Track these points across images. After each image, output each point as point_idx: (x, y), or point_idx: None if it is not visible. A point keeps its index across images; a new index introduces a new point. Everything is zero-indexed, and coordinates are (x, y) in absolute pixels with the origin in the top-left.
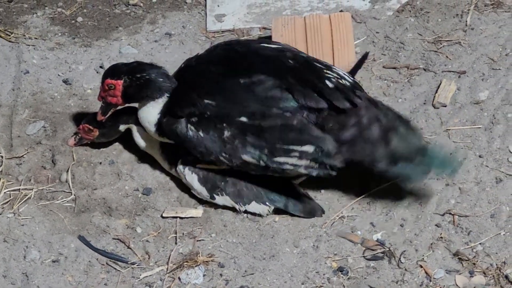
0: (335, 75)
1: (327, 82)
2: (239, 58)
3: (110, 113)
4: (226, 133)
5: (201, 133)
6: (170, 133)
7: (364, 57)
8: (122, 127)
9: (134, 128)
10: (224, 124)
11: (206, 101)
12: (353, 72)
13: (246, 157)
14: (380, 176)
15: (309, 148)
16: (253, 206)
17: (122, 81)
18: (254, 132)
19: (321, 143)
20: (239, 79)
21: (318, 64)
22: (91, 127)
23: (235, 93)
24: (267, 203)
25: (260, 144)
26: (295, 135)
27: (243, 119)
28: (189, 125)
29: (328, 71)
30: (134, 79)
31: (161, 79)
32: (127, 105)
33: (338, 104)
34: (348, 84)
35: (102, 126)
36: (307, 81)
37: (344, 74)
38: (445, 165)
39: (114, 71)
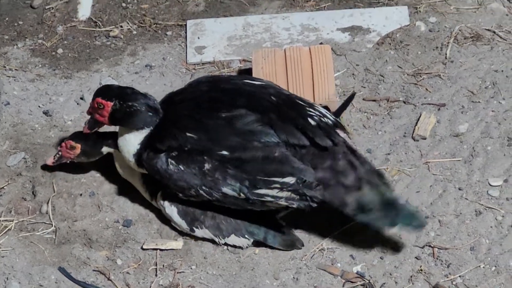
0: (317, 113)
1: (309, 119)
2: (222, 94)
3: (96, 129)
4: (207, 166)
5: (181, 167)
6: (150, 168)
7: (351, 97)
8: (105, 149)
9: (117, 154)
10: (205, 157)
11: (188, 134)
12: (339, 111)
13: (226, 190)
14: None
15: (290, 180)
16: (233, 239)
17: (112, 104)
18: (234, 164)
19: (302, 175)
20: (220, 113)
21: (300, 102)
22: (73, 144)
23: (216, 127)
24: (246, 236)
25: (241, 176)
26: (276, 167)
27: (224, 152)
28: (169, 160)
29: (310, 109)
30: (124, 106)
31: (150, 113)
32: (113, 127)
33: (319, 141)
34: (330, 122)
35: (85, 144)
36: (289, 117)
37: (326, 112)
38: (410, 222)
39: (106, 92)
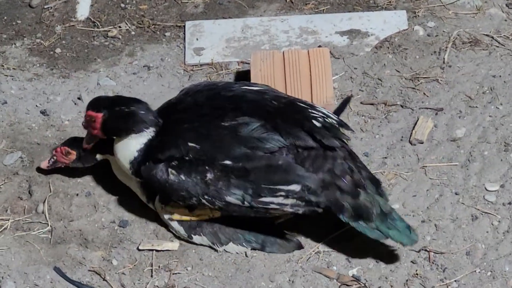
0: (321, 114)
1: (314, 121)
2: (224, 102)
3: (93, 143)
4: (209, 175)
5: (182, 176)
6: (149, 179)
7: (347, 101)
8: (99, 156)
9: (112, 159)
10: (207, 167)
11: (190, 144)
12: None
13: (230, 199)
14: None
15: (295, 187)
16: (231, 247)
17: (101, 115)
18: (238, 173)
19: (307, 182)
20: (224, 122)
21: (301, 104)
22: (69, 150)
23: (219, 136)
24: (244, 244)
25: (244, 185)
26: (281, 175)
27: (227, 162)
28: (169, 169)
29: (313, 111)
30: (113, 112)
31: (143, 112)
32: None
33: (327, 143)
34: (334, 122)
35: (81, 150)
36: (294, 120)
37: (328, 112)
38: (402, 237)
39: (95, 104)
